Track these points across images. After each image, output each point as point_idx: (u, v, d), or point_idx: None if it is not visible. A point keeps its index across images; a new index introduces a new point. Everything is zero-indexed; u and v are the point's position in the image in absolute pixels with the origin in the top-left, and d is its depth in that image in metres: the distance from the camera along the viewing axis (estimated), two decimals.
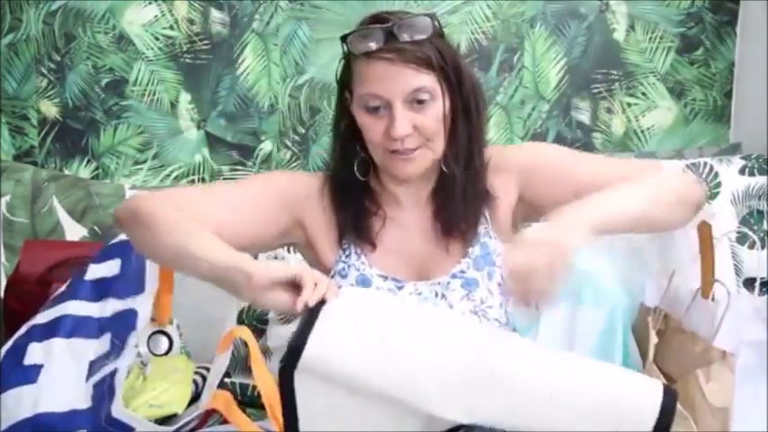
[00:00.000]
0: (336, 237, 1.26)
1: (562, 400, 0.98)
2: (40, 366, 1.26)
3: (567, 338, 1.29)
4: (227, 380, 1.67)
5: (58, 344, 1.28)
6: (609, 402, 0.98)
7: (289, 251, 1.78)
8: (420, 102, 1.16)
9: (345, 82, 1.22)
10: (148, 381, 1.43)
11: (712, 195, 1.81)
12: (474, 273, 1.22)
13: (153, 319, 1.53)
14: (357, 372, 0.98)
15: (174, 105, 2.10)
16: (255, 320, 1.76)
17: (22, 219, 1.92)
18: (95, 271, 1.34)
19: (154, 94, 2.09)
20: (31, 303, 1.42)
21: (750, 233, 1.78)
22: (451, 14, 2.05)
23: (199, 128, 2.11)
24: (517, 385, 0.98)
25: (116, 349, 1.25)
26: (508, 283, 1.05)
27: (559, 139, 2.08)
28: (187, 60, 2.08)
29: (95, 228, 1.90)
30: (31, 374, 1.26)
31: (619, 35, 2.05)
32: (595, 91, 2.07)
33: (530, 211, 1.26)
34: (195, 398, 1.45)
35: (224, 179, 2.10)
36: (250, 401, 1.56)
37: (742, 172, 1.83)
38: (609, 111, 2.08)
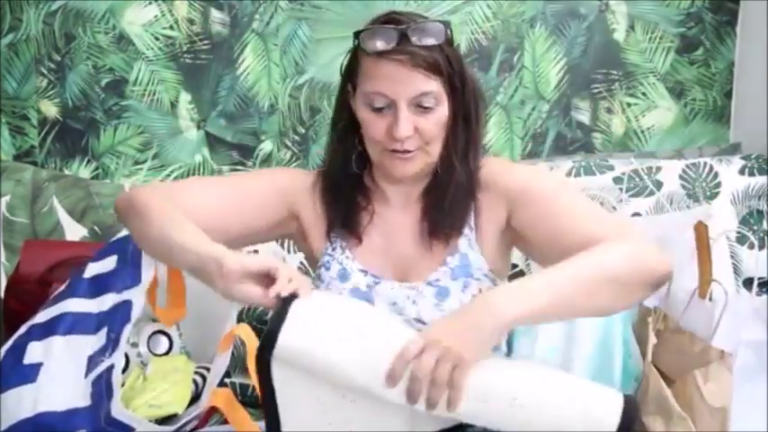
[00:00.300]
0: (325, 230, 1.28)
1: (524, 403, 0.98)
2: (40, 365, 1.26)
3: (567, 340, 1.30)
4: (227, 380, 1.67)
5: (56, 341, 1.28)
6: (570, 407, 0.98)
7: (289, 252, 1.78)
8: (425, 107, 1.16)
9: (350, 76, 1.23)
10: (149, 381, 1.43)
11: (712, 195, 1.81)
12: (448, 282, 1.21)
13: (154, 320, 1.53)
14: (334, 360, 0.99)
15: (174, 105, 2.10)
16: (255, 320, 1.77)
17: (22, 219, 1.92)
18: (93, 269, 1.34)
19: (154, 94, 2.09)
20: (31, 303, 1.42)
21: (749, 233, 1.78)
22: (451, 14, 2.05)
23: (199, 128, 2.11)
24: (480, 386, 0.99)
25: (111, 343, 1.25)
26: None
27: (559, 139, 2.08)
28: (187, 60, 2.08)
29: (95, 228, 1.90)
30: (30, 374, 1.25)
31: (619, 35, 2.05)
32: (595, 91, 2.07)
33: (514, 237, 1.24)
34: (195, 398, 1.45)
35: None
36: (250, 401, 1.56)
37: (742, 172, 1.83)
38: (609, 111, 2.08)
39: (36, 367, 1.26)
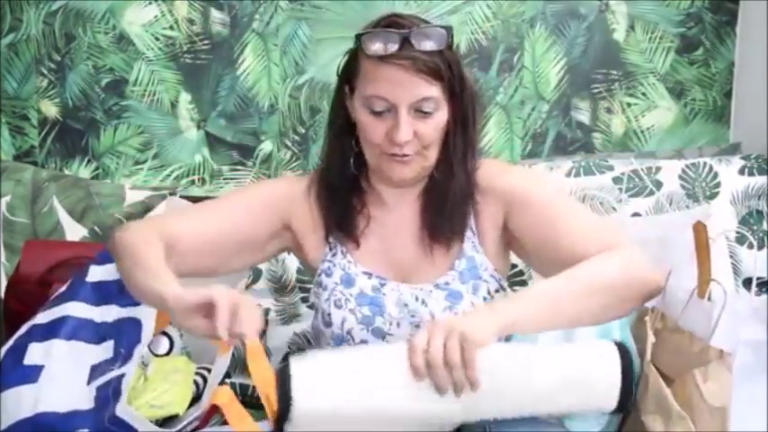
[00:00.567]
0: (323, 234, 1.28)
1: (538, 383, 1.02)
2: (41, 367, 1.26)
3: (566, 339, 1.29)
4: (227, 380, 1.67)
5: (58, 345, 1.28)
6: (575, 376, 1.04)
7: (288, 252, 1.78)
8: (424, 111, 1.16)
9: (347, 77, 1.22)
10: (149, 381, 1.43)
11: (712, 195, 1.81)
12: (459, 286, 1.22)
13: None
14: (357, 411, 1.00)
15: (174, 105, 2.10)
16: None
17: (22, 219, 1.93)
18: (96, 273, 1.34)
19: (154, 94, 2.09)
20: (31, 303, 1.43)
21: (748, 233, 1.78)
22: (451, 14, 2.05)
23: (199, 128, 2.11)
24: (495, 378, 1.01)
25: (121, 358, 1.26)
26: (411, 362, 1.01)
27: (559, 139, 2.08)
28: (187, 60, 2.09)
29: (95, 228, 1.90)
30: (31, 374, 1.26)
31: (619, 35, 2.06)
32: (595, 91, 2.08)
33: (509, 239, 1.25)
34: (196, 398, 1.45)
35: (224, 179, 2.11)
36: (250, 402, 1.56)
37: (741, 172, 1.83)
38: (609, 111, 2.08)
39: (37, 369, 1.26)
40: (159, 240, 1.17)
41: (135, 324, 1.28)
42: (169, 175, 2.11)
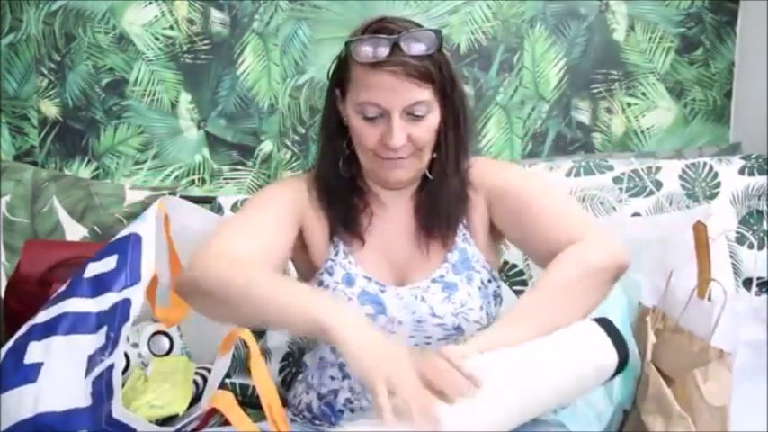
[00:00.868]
0: (328, 233, 1.28)
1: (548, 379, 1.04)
2: (40, 364, 1.26)
3: None
4: (227, 380, 1.67)
5: (57, 341, 1.28)
6: (575, 357, 1.07)
7: None
8: (417, 115, 1.17)
9: (338, 82, 1.22)
10: (149, 381, 1.44)
11: (712, 195, 1.81)
12: (453, 277, 1.23)
13: (155, 320, 1.53)
14: None
15: (174, 105, 2.10)
16: None
17: (22, 219, 1.93)
18: (94, 268, 1.34)
19: (154, 94, 2.09)
20: (31, 303, 1.42)
21: (749, 233, 1.78)
22: (451, 14, 2.05)
23: (199, 128, 2.11)
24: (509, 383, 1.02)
25: (110, 342, 1.25)
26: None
27: (559, 139, 2.08)
28: (187, 60, 2.09)
29: (95, 228, 1.90)
30: (31, 374, 1.26)
31: (619, 35, 2.05)
32: (595, 91, 2.07)
33: (496, 233, 1.28)
34: (196, 398, 1.45)
35: (224, 179, 2.11)
36: (250, 402, 1.57)
37: (742, 172, 1.83)
38: (609, 111, 2.08)
39: (36, 367, 1.26)
40: (240, 261, 1.11)
41: (126, 304, 1.27)
42: (169, 175, 2.11)
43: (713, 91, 2.07)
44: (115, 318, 1.27)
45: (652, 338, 1.27)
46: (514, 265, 1.75)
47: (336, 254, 1.26)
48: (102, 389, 1.22)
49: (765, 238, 1.78)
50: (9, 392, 1.24)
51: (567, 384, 1.07)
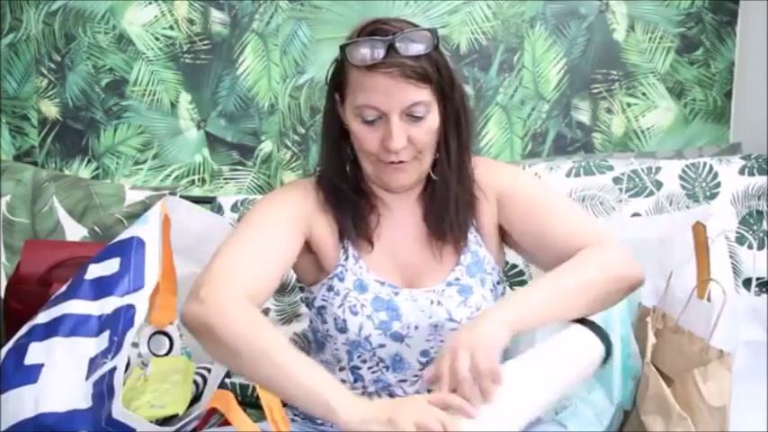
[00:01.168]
0: (337, 237, 1.26)
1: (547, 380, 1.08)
2: (41, 365, 1.26)
3: None
4: (227, 380, 1.67)
5: (58, 343, 1.28)
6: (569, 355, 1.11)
7: None
8: (416, 116, 1.16)
9: (336, 86, 1.21)
10: (149, 381, 1.43)
11: (712, 195, 1.81)
12: (468, 280, 1.22)
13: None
14: None
15: (174, 105, 2.10)
16: None
17: (22, 219, 1.93)
18: (95, 270, 1.34)
19: (154, 94, 2.10)
20: (31, 303, 1.42)
21: (749, 233, 1.78)
22: (451, 14, 2.05)
23: (199, 128, 2.11)
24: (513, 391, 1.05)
25: (114, 346, 1.25)
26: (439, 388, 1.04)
27: (559, 139, 2.08)
28: (187, 60, 2.09)
29: (95, 228, 1.90)
30: (31, 374, 1.25)
31: (619, 35, 2.06)
32: (595, 91, 2.08)
33: (503, 233, 1.28)
34: (196, 398, 1.45)
35: (224, 179, 2.11)
36: (250, 402, 1.56)
37: (742, 172, 1.83)
38: (609, 111, 2.08)
39: (37, 368, 1.26)
40: (257, 313, 1.11)
41: (130, 310, 1.27)
42: (169, 175, 2.11)
43: (713, 91, 2.07)
44: (118, 323, 1.27)
45: (652, 339, 1.27)
46: (514, 266, 1.75)
47: (346, 258, 1.24)
48: (104, 391, 1.22)
49: (765, 238, 1.78)
50: (9, 393, 1.24)
51: (567, 387, 1.10)
